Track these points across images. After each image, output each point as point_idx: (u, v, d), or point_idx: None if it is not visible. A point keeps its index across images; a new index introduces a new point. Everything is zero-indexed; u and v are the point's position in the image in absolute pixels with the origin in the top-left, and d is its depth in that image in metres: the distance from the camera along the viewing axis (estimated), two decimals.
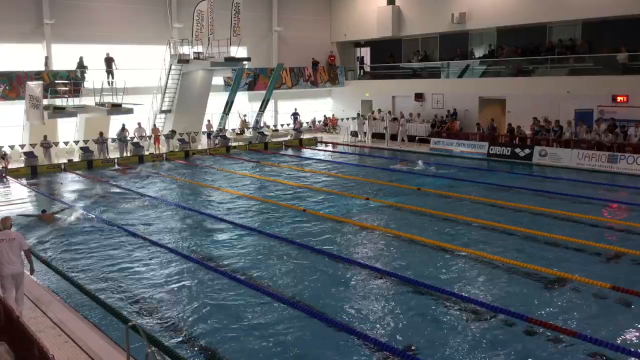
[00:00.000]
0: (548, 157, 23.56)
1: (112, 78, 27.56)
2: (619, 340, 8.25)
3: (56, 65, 27.72)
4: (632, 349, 7.95)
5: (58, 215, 16.35)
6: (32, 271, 9.51)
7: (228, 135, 30.79)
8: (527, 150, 24.32)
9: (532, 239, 13.25)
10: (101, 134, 26.04)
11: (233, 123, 32.18)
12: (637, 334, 8.54)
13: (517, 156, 24.50)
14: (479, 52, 31.69)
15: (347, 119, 34.19)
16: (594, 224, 14.43)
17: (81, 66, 27.50)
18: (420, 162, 24.03)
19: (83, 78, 27.29)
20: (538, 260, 11.59)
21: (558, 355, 7.97)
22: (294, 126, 33.39)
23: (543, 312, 9.24)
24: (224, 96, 31.08)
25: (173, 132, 28.46)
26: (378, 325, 9.00)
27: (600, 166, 21.90)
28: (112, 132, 27.31)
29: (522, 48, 28.80)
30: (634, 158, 21.17)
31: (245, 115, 33.08)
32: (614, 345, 7.91)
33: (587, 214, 15.12)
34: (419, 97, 32.03)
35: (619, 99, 23.96)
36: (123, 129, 26.90)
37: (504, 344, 8.33)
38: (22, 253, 9.02)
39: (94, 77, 26.40)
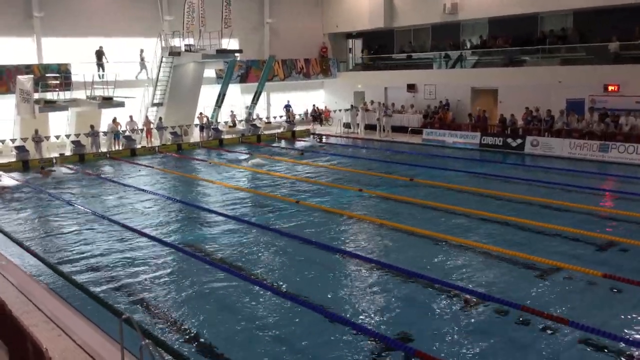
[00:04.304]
0: (540, 146, 23.64)
1: (103, 71, 27.45)
2: (611, 327, 8.30)
3: (46, 59, 27.53)
4: (624, 336, 8.01)
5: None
6: None
7: (220, 127, 30.72)
8: (519, 140, 24.40)
9: (524, 228, 13.30)
10: (92, 127, 25.92)
11: (225, 116, 32.04)
12: (629, 321, 8.61)
13: (509, 146, 24.58)
14: (470, 43, 31.66)
15: (340, 110, 34.14)
16: (585, 213, 14.50)
17: (100, 57, 27.69)
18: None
19: (102, 68, 27.58)
20: (531, 249, 11.64)
21: (550, 342, 8.03)
22: (287, 118, 33.34)
23: (535, 301, 9.28)
24: (216, 89, 30.97)
25: (160, 119, 28.37)
26: (372, 315, 9.04)
27: (592, 155, 22.00)
28: (104, 126, 27.18)
29: (514, 38, 28.82)
30: (625, 147, 21.28)
31: (233, 112, 32.75)
32: (605, 333, 7.95)
33: (578, 203, 15.19)
34: (411, 88, 32.03)
35: (610, 88, 24.03)
36: (114, 121, 26.80)
37: (497, 332, 8.39)
38: None
39: (85, 71, 26.23)
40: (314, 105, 36.04)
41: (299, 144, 29.12)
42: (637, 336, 8.10)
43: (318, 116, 34.82)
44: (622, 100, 23.32)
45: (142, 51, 29.37)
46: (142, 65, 29.51)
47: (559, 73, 25.77)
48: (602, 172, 19.99)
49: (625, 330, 8.28)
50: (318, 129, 33.65)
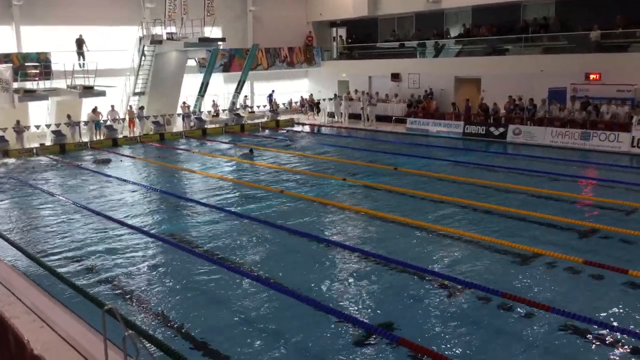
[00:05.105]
0: (522, 135, 23.81)
1: (83, 60, 27.09)
2: (591, 313, 8.41)
3: (26, 48, 27.08)
4: (604, 321, 8.12)
5: None
6: None
7: (203, 117, 30.52)
8: (501, 129, 24.55)
9: (506, 216, 13.41)
10: (69, 116, 25.61)
11: (209, 105, 31.83)
12: (609, 306, 8.72)
13: (491, 135, 24.72)
14: (454, 32, 31.72)
15: (324, 99, 34.05)
16: (567, 201, 14.64)
17: (80, 45, 27.19)
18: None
19: (82, 57, 27.11)
20: (513, 237, 11.74)
21: (532, 328, 8.12)
22: (270, 107, 33.19)
23: (518, 287, 9.37)
24: (199, 77, 30.70)
25: (141, 108, 28.12)
26: (356, 304, 9.06)
27: (573, 143, 22.21)
28: (85, 115, 26.86)
29: (497, 27, 28.90)
30: (606, 135, 21.51)
31: (215, 101, 32.49)
32: (586, 318, 8.06)
33: (560, 191, 15.35)
34: (395, 77, 32.02)
35: (591, 76, 24.22)
36: (93, 111, 26.51)
37: (479, 318, 8.46)
38: None
39: (65, 60, 25.86)
40: (310, 95, 35.58)
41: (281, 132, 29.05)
42: (617, 322, 8.21)
43: (316, 105, 34.30)
44: (604, 88, 23.52)
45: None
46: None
47: (541, 62, 25.92)
48: (583, 160, 20.20)
49: (606, 316, 8.39)
50: (302, 118, 33.56)
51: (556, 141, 22.69)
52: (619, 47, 24.27)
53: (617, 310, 8.58)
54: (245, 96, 33.83)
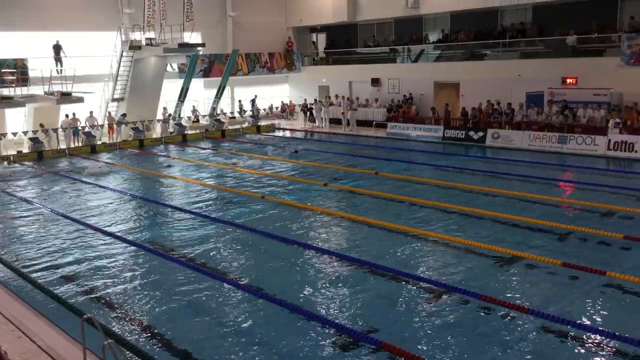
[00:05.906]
0: (500, 139, 24.06)
1: (61, 66, 26.82)
2: (569, 314, 8.52)
3: (2, 54, 26.72)
4: (582, 323, 8.23)
5: None
6: None
7: (184, 123, 30.37)
8: (480, 133, 24.78)
9: (485, 219, 13.53)
10: (42, 125, 25.31)
11: (189, 111, 31.69)
12: (587, 308, 8.85)
13: (471, 139, 24.95)
14: (433, 37, 32.01)
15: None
16: (544, 203, 14.79)
17: (57, 51, 26.88)
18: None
19: (60, 63, 26.79)
20: (492, 240, 11.85)
21: (511, 331, 8.20)
22: (252, 112, 33.14)
23: (497, 290, 9.46)
24: (179, 83, 30.56)
25: (123, 115, 27.92)
26: (338, 309, 9.07)
27: (551, 147, 22.50)
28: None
29: (475, 32, 29.22)
30: (583, 138, 21.82)
31: (195, 107, 32.37)
32: (564, 320, 8.16)
33: (538, 194, 15.52)
34: (375, 82, 32.20)
35: (568, 81, 24.57)
36: (67, 116, 26.23)
37: (459, 322, 8.51)
38: None
39: (42, 66, 25.56)
40: (305, 100, 34.92)
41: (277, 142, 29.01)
42: (594, 323, 8.33)
43: (309, 110, 34.05)
44: (580, 92, 23.85)
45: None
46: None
47: (519, 66, 26.25)
48: (560, 163, 20.46)
49: (583, 317, 8.50)
50: (283, 123, 33.56)
51: (534, 145, 22.97)
52: (595, 52, 24.71)
53: (594, 312, 8.70)
54: (240, 100, 33.93)
